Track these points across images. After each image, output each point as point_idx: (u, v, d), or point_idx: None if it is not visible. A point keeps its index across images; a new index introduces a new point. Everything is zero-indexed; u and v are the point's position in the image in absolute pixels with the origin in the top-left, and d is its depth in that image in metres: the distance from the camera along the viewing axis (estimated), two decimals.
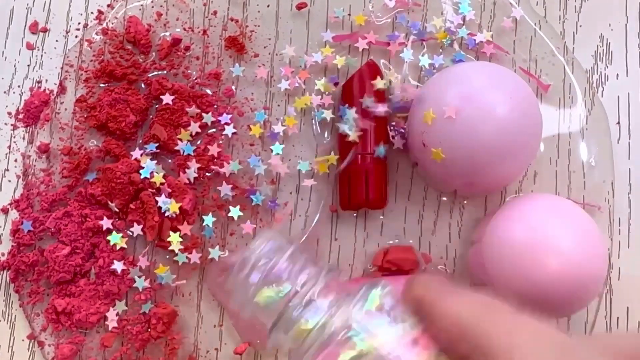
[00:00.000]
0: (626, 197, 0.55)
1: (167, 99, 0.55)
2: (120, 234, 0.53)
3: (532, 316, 0.28)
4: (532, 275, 0.46)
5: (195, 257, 0.53)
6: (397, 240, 0.54)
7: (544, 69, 0.57)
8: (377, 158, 0.53)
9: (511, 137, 0.47)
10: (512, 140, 0.47)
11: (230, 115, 0.55)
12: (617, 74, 0.57)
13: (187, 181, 0.54)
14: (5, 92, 0.58)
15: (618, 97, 0.57)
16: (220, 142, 0.55)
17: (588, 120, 0.56)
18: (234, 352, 0.53)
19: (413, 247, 0.54)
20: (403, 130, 0.54)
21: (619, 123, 0.57)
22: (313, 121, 0.55)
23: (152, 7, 0.58)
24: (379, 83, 0.53)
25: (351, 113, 0.52)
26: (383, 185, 0.53)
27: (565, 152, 0.56)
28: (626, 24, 0.58)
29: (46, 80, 0.58)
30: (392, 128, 0.54)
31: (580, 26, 0.58)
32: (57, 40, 0.59)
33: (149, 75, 0.57)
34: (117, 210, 0.53)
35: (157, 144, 0.54)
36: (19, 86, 0.58)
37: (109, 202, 0.53)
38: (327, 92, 0.55)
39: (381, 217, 0.55)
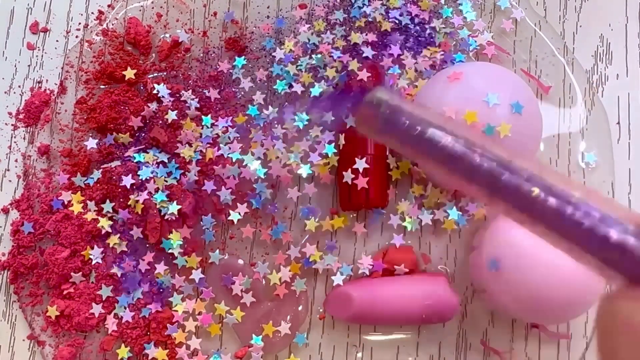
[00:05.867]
0: (626, 197, 0.55)
1: (165, 100, 0.55)
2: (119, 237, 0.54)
3: None
4: (532, 282, 0.46)
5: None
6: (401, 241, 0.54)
7: (544, 70, 0.57)
8: (377, 158, 0.53)
9: (511, 137, 0.47)
10: (512, 140, 0.47)
11: (230, 118, 0.55)
12: (617, 74, 0.57)
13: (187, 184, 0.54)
14: (5, 92, 0.58)
15: (618, 97, 0.57)
16: (220, 145, 0.55)
17: (588, 120, 0.56)
18: (235, 356, 0.53)
19: (413, 248, 0.54)
20: None
21: (619, 123, 0.57)
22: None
23: (152, 8, 0.58)
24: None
25: None
26: (383, 185, 0.53)
27: (565, 152, 0.56)
28: (626, 24, 0.58)
29: (47, 81, 0.58)
30: None
31: (580, 26, 0.58)
32: (57, 41, 0.59)
33: (149, 76, 0.57)
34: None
35: (160, 150, 0.54)
36: (19, 86, 0.58)
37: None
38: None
39: (381, 216, 0.55)
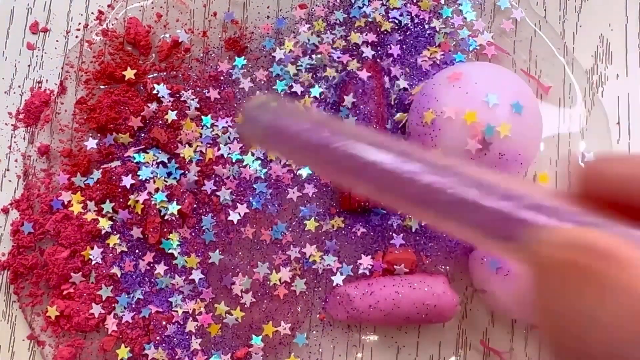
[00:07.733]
0: None
1: (165, 100, 0.55)
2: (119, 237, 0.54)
3: None
4: None
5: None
6: None
7: (544, 70, 0.57)
8: None
9: (511, 137, 0.47)
10: (512, 140, 0.47)
11: (230, 118, 0.55)
12: (617, 74, 0.57)
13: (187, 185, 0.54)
14: (5, 92, 0.58)
15: (618, 97, 0.57)
16: (220, 144, 0.55)
17: (588, 120, 0.56)
18: (235, 357, 0.53)
19: (413, 248, 0.54)
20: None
21: (619, 123, 0.57)
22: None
23: (152, 8, 0.58)
24: None
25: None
26: None
27: (565, 152, 0.56)
28: (626, 24, 0.58)
29: (47, 81, 0.58)
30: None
31: (580, 26, 0.58)
32: (57, 41, 0.59)
33: (149, 76, 0.57)
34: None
35: (160, 150, 0.54)
36: (19, 86, 0.58)
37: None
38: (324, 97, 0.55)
39: (381, 216, 0.55)
